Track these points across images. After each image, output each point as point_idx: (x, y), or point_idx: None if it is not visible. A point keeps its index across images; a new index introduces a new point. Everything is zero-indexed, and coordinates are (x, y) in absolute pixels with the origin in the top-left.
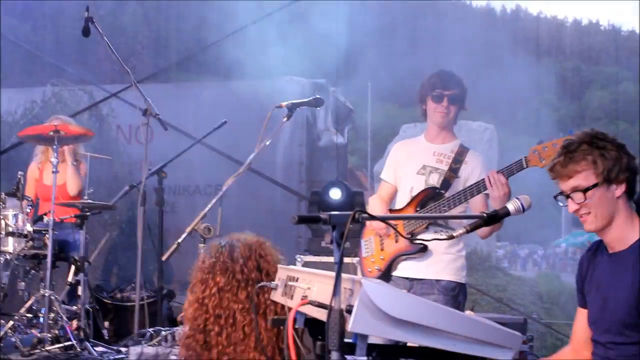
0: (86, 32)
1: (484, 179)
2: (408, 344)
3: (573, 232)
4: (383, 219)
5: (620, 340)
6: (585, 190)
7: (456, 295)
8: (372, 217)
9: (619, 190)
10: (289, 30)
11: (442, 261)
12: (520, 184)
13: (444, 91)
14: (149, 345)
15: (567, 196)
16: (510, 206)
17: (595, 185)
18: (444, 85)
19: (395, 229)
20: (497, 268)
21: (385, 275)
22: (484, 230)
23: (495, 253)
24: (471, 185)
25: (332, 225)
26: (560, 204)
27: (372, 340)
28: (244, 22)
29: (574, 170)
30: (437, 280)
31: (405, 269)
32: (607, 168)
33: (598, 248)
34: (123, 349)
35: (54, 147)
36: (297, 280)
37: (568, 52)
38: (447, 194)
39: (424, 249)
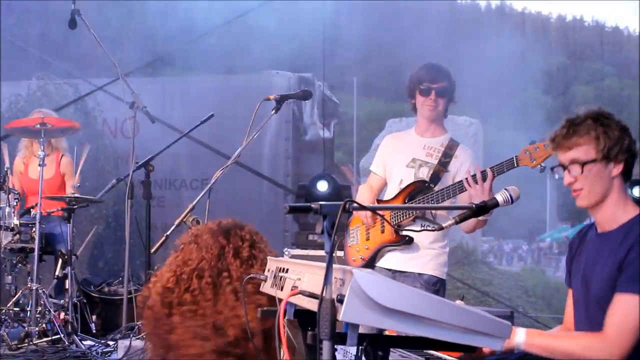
0: (72, 24)
1: (473, 175)
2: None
3: (558, 227)
4: (373, 209)
5: (603, 320)
6: (583, 164)
7: (437, 290)
8: (363, 207)
9: (616, 170)
10: (274, 24)
11: (426, 255)
12: (506, 179)
13: (432, 84)
14: (137, 339)
15: (565, 168)
16: (499, 197)
17: (593, 161)
18: (431, 78)
19: (385, 219)
20: (483, 262)
21: (369, 265)
22: (468, 224)
23: (480, 247)
24: (460, 181)
25: (323, 215)
26: (556, 176)
27: (360, 329)
28: (230, 16)
29: (576, 143)
30: (420, 274)
31: (389, 260)
32: (609, 146)
33: (589, 229)
34: (111, 342)
35: (41, 139)
36: (287, 272)
37: (553, 47)
38: (436, 188)
39: (409, 241)
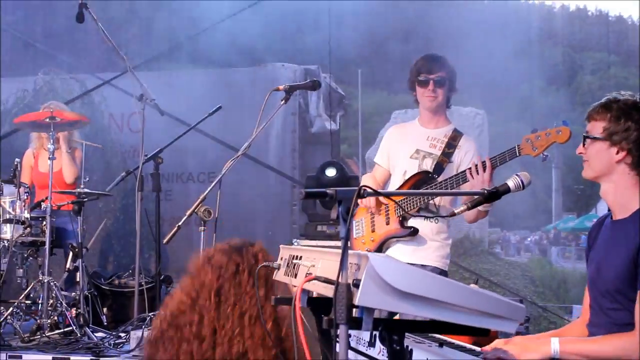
0: (80, 17)
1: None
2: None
3: (564, 217)
4: (387, 195)
5: (612, 306)
6: (590, 138)
7: None
8: (377, 193)
9: (619, 156)
10: (280, 17)
11: (429, 247)
12: (510, 170)
13: (429, 75)
14: (149, 329)
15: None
16: (511, 183)
17: (596, 138)
18: (429, 69)
19: (400, 205)
20: (490, 253)
21: None
22: (470, 214)
23: (487, 238)
24: (463, 172)
25: (339, 200)
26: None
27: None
28: (235, 8)
29: (593, 117)
30: (423, 266)
31: (394, 253)
32: (613, 130)
33: (607, 217)
34: (122, 334)
35: (50, 133)
36: (300, 259)
37: (557, 37)
38: (440, 179)
39: (413, 233)
